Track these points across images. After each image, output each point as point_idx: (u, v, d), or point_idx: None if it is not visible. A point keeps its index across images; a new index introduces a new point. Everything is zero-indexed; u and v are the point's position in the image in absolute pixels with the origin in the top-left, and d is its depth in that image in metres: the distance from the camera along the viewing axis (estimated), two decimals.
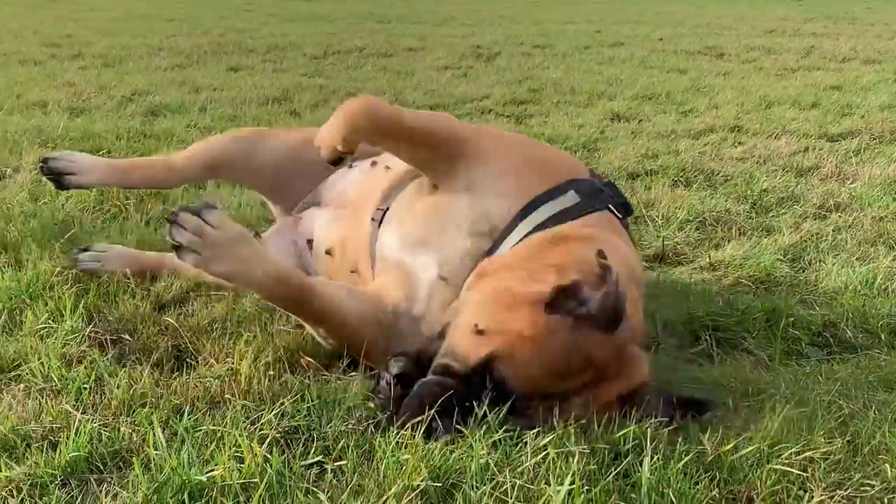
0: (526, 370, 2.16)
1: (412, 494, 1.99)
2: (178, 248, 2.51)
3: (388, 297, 2.64)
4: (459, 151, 2.69)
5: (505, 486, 2.01)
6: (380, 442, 2.18)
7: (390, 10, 22.57)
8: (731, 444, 2.21)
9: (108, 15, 19.44)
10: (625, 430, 2.19)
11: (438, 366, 2.24)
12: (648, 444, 2.14)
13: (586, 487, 2.00)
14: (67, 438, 2.20)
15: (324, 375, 2.65)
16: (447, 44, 13.51)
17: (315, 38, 14.45)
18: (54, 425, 2.30)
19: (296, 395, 2.44)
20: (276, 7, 24.06)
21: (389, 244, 2.76)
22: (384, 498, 1.98)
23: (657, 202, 4.49)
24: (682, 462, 2.13)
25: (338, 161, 2.83)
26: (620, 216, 2.71)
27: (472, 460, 2.07)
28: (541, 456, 2.08)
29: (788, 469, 2.13)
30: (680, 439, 2.22)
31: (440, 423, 2.14)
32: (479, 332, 2.21)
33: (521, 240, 2.54)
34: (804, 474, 2.12)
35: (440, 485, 2.02)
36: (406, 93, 8.49)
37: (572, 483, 1.98)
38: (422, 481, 2.01)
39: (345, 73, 10.34)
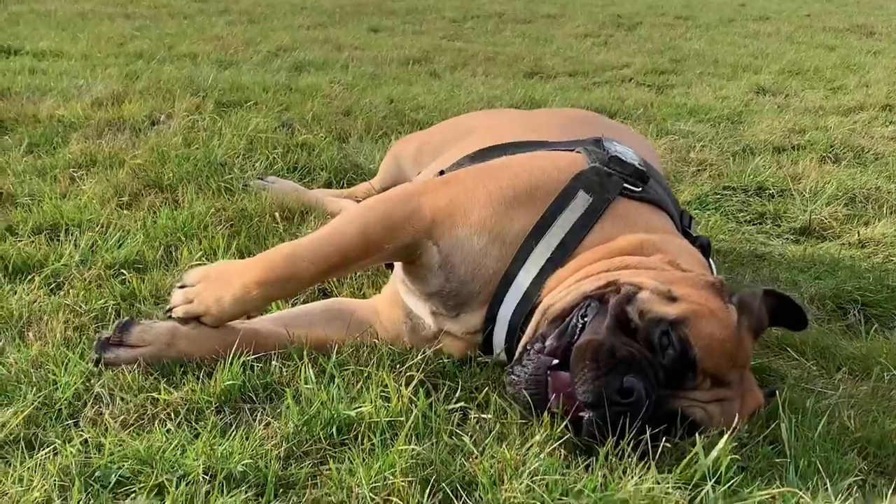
0: (708, 341, 2.04)
1: (555, 444, 2.00)
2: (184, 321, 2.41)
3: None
4: (419, 233, 2.39)
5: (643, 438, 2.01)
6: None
7: None
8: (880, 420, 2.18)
9: None
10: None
11: (614, 318, 2.07)
12: (785, 410, 2.12)
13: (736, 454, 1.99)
14: (223, 369, 2.28)
15: None
16: (587, 12, 13.35)
17: (454, 2, 14.46)
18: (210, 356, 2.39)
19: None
20: None
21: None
22: (527, 445, 2.00)
23: (804, 176, 4.38)
24: (827, 432, 2.11)
25: None
26: (638, 188, 2.48)
27: None
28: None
29: None
30: (821, 414, 2.19)
31: (631, 381, 1.95)
32: (671, 298, 2.11)
33: (539, 273, 2.31)
34: None
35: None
36: (545, 59, 8.43)
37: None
38: (562, 433, 2.02)
39: (483, 37, 10.32)
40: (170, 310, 2.41)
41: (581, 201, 2.38)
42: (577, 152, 2.57)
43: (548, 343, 2.09)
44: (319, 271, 2.40)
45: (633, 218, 2.42)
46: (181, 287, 2.44)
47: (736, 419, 2.05)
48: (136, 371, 2.28)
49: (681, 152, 4.84)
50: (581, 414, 1.98)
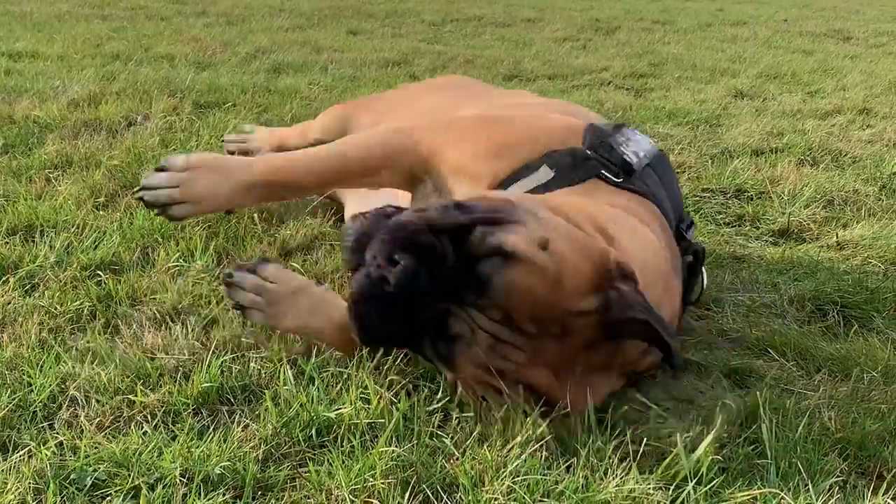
0: (522, 290, 1.91)
1: (536, 445, 1.99)
2: (242, 309, 2.49)
3: None
4: (416, 166, 2.62)
5: (625, 439, 2.01)
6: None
7: None
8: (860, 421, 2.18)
9: None
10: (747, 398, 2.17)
11: (455, 226, 1.99)
12: (766, 411, 2.12)
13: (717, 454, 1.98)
14: (199, 370, 2.26)
15: None
16: (566, 16, 13.36)
17: (433, 5, 14.45)
18: (186, 357, 2.37)
19: None
20: None
21: None
22: (508, 447, 1.99)
23: (783, 179, 4.38)
24: (808, 433, 2.11)
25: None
26: (619, 178, 2.44)
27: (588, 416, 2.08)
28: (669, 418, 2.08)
29: None
30: (801, 415, 2.19)
31: (406, 257, 1.91)
32: (541, 246, 1.96)
33: None
34: None
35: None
36: (524, 62, 8.43)
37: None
38: (542, 434, 2.01)
39: (463, 40, 10.32)
40: (139, 190, 2.42)
41: (542, 174, 2.41)
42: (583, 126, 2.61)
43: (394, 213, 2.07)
44: (318, 183, 2.72)
45: (597, 193, 2.39)
46: (161, 171, 2.48)
47: (520, 389, 1.99)
48: (111, 373, 2.25)
49: None
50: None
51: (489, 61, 8.34)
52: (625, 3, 17.02)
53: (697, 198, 4.12)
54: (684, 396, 2.36)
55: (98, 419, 2.09)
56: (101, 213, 3.42)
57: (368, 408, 2.12)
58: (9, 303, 2.63)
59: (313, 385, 2.21)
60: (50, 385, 2.18)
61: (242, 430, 2.07)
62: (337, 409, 2.10)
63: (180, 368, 2.31)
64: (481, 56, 8.69)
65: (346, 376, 2.26)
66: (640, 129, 5.32)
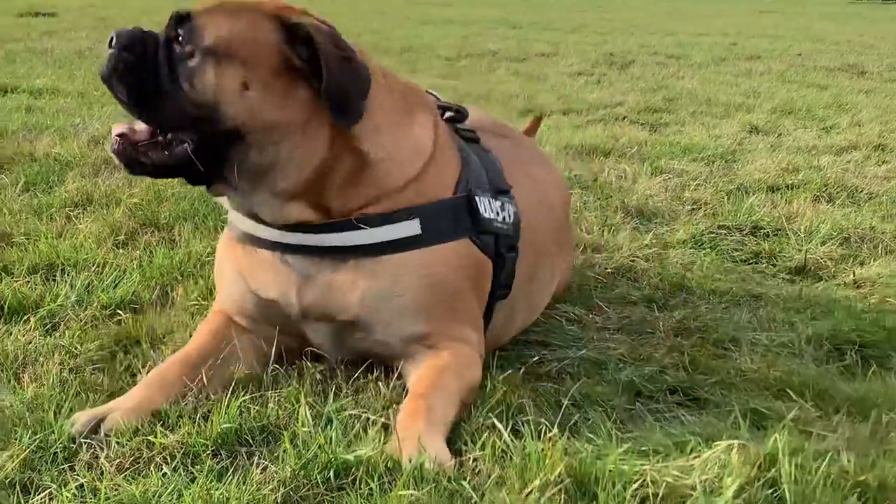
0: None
1: (554, 489, 1.99)
2: None
3: None
4: None
5: (645, 480, 2.00)
6: (520, 435, 2.19)
7: (522, 16, 22.57)
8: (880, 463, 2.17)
9: None
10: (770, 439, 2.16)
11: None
12: (785, 453, 2.11)
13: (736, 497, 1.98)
14: (218, 411, 2.27)
15: None
16: (580, 51, 13.45)
17: (448, 40, 14.57)
18: (205, 398, 2.38)
19: None
20: (410, 10, 24.33)
21: None
22: (527, 490, 1.99)
23: (799, 215, 4.39)
24: (827, 476, 2.10)
25: None
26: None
27: (607, 457, 2.08)
28: (689, 459, 2.07)
29: None
30: (820, 457, 2.18)
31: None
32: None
33: None
34: None
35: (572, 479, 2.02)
36: (539, 96, 8.49)
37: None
38: (560, 477, 2.01)
39: (478, 75, 10.39)
40: None
41: None
42: None
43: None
44: None
45: None
46: None
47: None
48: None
49: (675, 191, 4.85)
50: None
51: (504, 96, 8.39)
52: (639, 37, 17.12)
53: (714, 234, 4.13)
54: (704, 436, 2.35)
55: (118, 461, 2.10)
56: (120, 251, 3.45)
57: (387, 450, 2.12)
58: (30, 342, 2.65)
59: (332, 426, 2.22)
60: (71, 427, 2.19)
61: (261, 473, 2.07)
62: (355, 452, 2.10)
63: (199, 409, 2.32)
64: (497, 91, 8.74)
65: (364, 418, 2.27)
66: (655, 164, 5.36)
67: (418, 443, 2.09)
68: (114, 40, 2.32)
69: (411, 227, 2.44)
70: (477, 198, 2.55)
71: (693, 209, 4.56)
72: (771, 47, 15.30)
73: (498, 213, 2.61)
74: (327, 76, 2.27)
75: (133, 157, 2.36)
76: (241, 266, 2.58)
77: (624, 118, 7.53)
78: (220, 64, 2.28)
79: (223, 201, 2.56)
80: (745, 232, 4.21)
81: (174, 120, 2.31)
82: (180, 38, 2.30)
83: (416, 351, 2.50)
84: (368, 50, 8.47)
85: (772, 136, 6.89)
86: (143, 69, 2.30)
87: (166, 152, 2.33)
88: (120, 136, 2.36)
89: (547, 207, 3.05)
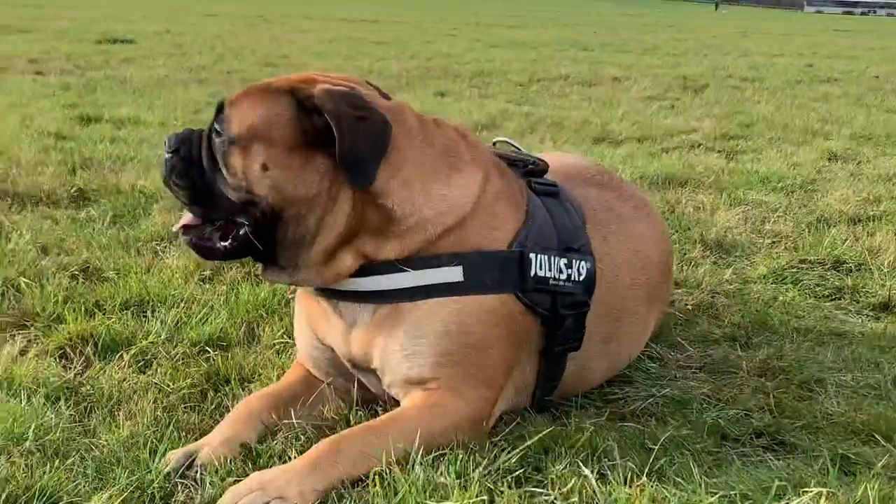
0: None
1: None
2: None
3: None
4: None
5: None
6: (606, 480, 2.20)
7: (593, 38, 22.58)
8: None
9: (320, 37, 20.24)
10: None
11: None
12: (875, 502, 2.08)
13: None
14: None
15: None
16: (652, 74, 13.41)
17: (519, 64, 14.62)
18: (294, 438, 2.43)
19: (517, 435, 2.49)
20: (480, 33, 24.47)
21: None
22: None
23: (882, 250, 4.32)
24: None
25: None
26: None
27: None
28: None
29: None
30: None
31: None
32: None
33: None
34: None
35: None
36: (612, 123, 8.47)
37: None
38: None
39: (550, 100, 10.41)
40: None
41: None
42: None
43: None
44: None
45: None
46: None
47: None
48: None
49: (755, 223, 4.81)
50: None
51: (577, 123, 8.39)
52: (712, 58, 17.02)
53: (795, 269, 4.08)
54: (792, 482, 2.33)
55: (211, 503, 2.15)
56: (206, 286, 3.53)
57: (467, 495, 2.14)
58: (124, 380, 2.72)
59: (416, 469, 2.23)
60: (166, 466, 2.24)
61: None
62: (442, 500, 2.12)
63: (287, 451, 2.37)
64: (569, 117, 8.74)
65: (447, 460, 2.28)
66: (733, 195, 5.32)
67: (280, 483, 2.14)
68: (166, 144, 2.51)
69: (454, 273, 2.44)
70: (533, 255, 2.52)
71: (773, 242, 4.52)
72: (847, 68, 15.11)
73: (561, 271, 2.58)
74: (339, 141, 2.30)
75: (206, 247, 2.49)
76: (309, 316, 2.64)
77: (699, 145, 7.49)
78: (244, 149, 2.37)
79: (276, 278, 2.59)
80: (826, 266, 4.16)
81: (224, 208, 2.42)
82: (217, 130, 2.42)
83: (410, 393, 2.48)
84: (438, 75, 8.49)
85: (851, 163, 6.80)
86: (190, 167, 2.45)
87: (230, 237, 2.44)
88: (185, 228, 2.51)
89: (640, 264, 2.97)
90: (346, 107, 2.34)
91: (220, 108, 2.47)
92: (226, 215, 2.43)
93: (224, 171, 2.40)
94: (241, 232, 2.42)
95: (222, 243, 2.45)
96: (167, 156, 2.49)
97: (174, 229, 2.57)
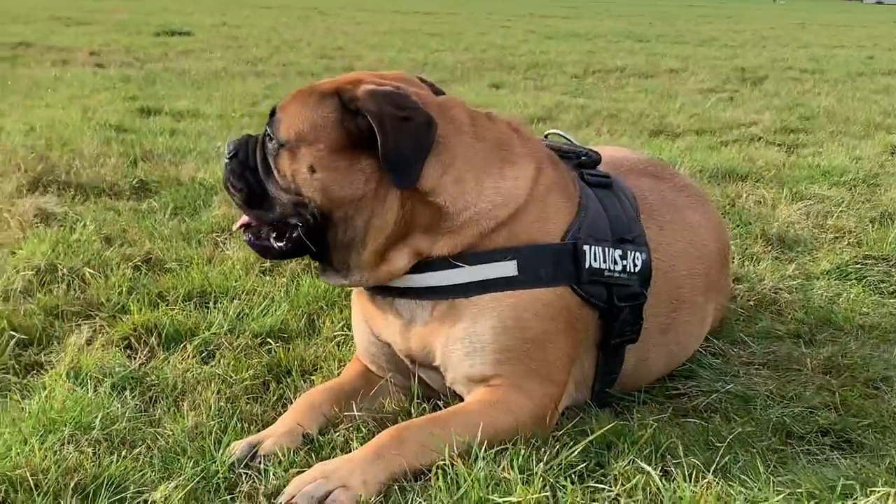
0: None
1: None
2: None
3: None
4: None
5: None
6: (670, 476, 2.18)
7: (649, 29, 22.40)
8: None
9: (375, 28, 20.31)
10: None
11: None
12: None
13: None
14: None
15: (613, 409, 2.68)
16: (710, 66, 13.26)
17: (574, 56, 14.54)
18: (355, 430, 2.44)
19: (579, 430, 2.47)
20: (535, 24, 24.39)
21: None
22: None
23: None
24: None
25: None
26: None
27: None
28: None
29: None
30: None
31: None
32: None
33: None
34: None
35: None
36: (670, 116, 8.39)
37: None
38: None
39: (606, 92, 10.34)
40: None
41: None
42: None
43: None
44: None
45: None
46: None
47: None
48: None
49: (817, 218, 4.74)
50: None
51: (634, 115, 8.33)
52: (771, 49, 16.81)
53: (859, 265, 4.02)
54: (860, 481, 2.29)
55: (274, 494, 2.16)
56: (267, 278, 3.56)
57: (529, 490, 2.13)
58: (188, 370, 2.76)
59: (481, 464, 2.23)
60: (230, 457, 2.26)
61: None
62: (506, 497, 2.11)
63: (350, 442, 2.38)
64: (625, 110, 8.69)
65: (509, 455, 2.27)
66: (794, 189, 5.25)
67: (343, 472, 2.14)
68: (226, 149, 2.60)
69: (508, 268, 2.43)
70: (587, 246, 2.51)
71: (836, 237, 4.45)
72: None
73: (616, 262, 2.56)
74: (382, 142, 2.31)
75: (264, 247, 2.54)
76: (365, 312, 2.65)
77: (759, 138, 7.39)
78: (292, 153, 2.42)
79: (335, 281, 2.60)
80: (891, 263, 4.08)
81: (277, 210, 2.47)
82: (269, 134, 2.47)
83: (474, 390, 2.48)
84: (493, 67, 8.45)
85: None
86: (245, 170, 2.51)
87: (285, 237, 2.48)
88: (244, 227, 2.58)
89: (696, 254, 2.94)
90: (389, 107, 2.35)
91: (272, 113, 2.51)
92: (279, 217, 2.47)
93: (275, 174, 2.45)
94: (295, 234, 2.45)
95: (277, 244, 2.50)
96: (226, 160, 2.57)
97: (234, 228, 2.63)
